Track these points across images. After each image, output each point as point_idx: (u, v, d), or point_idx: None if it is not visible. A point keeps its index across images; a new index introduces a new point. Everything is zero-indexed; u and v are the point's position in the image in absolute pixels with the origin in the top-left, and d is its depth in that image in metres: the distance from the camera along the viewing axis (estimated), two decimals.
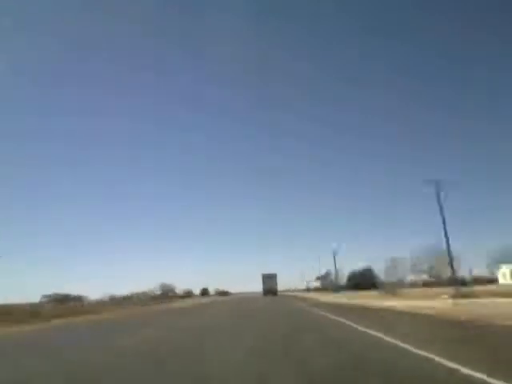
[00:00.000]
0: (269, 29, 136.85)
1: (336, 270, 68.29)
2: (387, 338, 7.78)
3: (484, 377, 4.36)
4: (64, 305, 47.25)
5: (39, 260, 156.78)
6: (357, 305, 23.12)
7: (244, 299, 56.37)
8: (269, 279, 70.15)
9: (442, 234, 30.05)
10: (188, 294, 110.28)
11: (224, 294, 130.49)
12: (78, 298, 78.07)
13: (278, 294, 69.95)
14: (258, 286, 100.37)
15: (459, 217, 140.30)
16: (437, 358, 5.50)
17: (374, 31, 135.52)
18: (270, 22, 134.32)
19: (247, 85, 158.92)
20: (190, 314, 24.36)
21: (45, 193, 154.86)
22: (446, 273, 41.84)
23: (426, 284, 57.61)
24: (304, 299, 40.70)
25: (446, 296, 23.52)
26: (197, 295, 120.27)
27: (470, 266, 71.41)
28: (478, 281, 59.80)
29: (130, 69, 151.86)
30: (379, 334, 8.44)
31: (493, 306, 14.96)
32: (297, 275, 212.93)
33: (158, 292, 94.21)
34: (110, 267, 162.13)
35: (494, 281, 61.56)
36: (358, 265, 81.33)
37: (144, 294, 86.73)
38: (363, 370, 5.10)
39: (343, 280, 75.38)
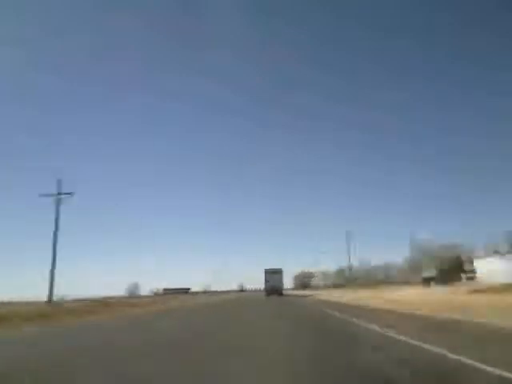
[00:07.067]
0: (269, 28, 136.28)
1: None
2: None
3: None
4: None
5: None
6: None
7: None
8: (273, 275, 57.61)
9: None
10: None
11: None
12: None
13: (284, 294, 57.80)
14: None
15: None
16: None
17: (375, 31, 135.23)
18: (270, 21, 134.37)
19: (248, 84, 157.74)
20: None
21: None
22: None
23: None
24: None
25: None
26: None
27: None
28: None
29: (131, 68, 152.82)
30: None
31: None
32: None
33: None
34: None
35: None
36: None
37: None
38: None
39: None
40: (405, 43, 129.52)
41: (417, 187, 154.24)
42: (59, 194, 39.76)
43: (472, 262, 63.98)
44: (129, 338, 9.50)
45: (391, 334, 7.70)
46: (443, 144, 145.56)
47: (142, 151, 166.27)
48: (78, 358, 6.46)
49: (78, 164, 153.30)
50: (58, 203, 39.84)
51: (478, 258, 63.73)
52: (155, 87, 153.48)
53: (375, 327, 8.88)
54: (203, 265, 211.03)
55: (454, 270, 66.86)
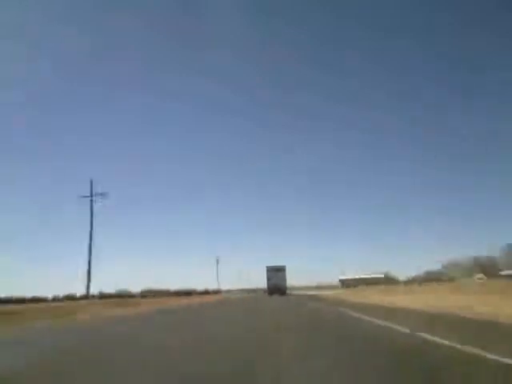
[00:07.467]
0: (269, 28, 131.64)
1: None
2: None
3: None
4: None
5: None
6: None
7: None
8: (275, 273, 53.02)
9: None
10: None
11: None
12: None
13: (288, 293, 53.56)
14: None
15: None
16: None
17: (375, 31, 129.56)
18: (270, 21, 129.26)
19: (248, 84, 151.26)
20: None
21: None
22: None
23: None
24: None
25: None
26: None
27: None
28: None
29: (131, 68, 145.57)
30: None
31: None
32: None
33: None
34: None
35: None
36: None
37: None
38: None
39: None
40: (405, 43, 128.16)
41: (416, 188, 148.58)
42: (94, 195, 43.25)
43: None
44: None
45: None
46: (443, 145, 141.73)
47: (141, 151, 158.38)
48: None
49: (78, 164, 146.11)
50: (92, 204, 42.70)
51: None
52: (155, 87, 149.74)
53: None
54: (202, 265, 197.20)
55: None
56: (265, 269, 55.09)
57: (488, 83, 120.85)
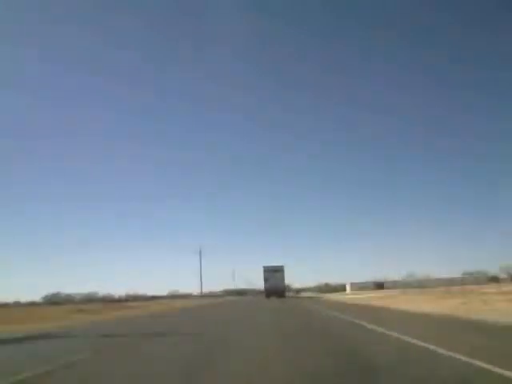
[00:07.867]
0: (269, 28, 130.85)
1: None
2: None
3: None
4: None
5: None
6: None
7: None
8: (274, 274, 50.31)
9: None
10: None
11: None
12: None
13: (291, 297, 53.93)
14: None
15: None
16: None
17: (375, 31, 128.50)
18: (270, 21, 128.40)
19: (249, 84, 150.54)
20: None
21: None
22: None
23: None
24: None
25: None
26: None
27: None
28: None
29: (131, 68, 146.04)
30: None
31: None
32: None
33: None
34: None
35: None
36: None
37: None
38: None
39: None
40: (405, 43, 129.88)
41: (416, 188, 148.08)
42: None
43: None
44: None
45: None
46: (443, 145, 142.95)
47: (141, 151, 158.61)
48: None
49: (78, 164, 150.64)
50: None
51: None
52: (155, 87, 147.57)
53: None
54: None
55: None
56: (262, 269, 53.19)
57: (488, 83, 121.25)
